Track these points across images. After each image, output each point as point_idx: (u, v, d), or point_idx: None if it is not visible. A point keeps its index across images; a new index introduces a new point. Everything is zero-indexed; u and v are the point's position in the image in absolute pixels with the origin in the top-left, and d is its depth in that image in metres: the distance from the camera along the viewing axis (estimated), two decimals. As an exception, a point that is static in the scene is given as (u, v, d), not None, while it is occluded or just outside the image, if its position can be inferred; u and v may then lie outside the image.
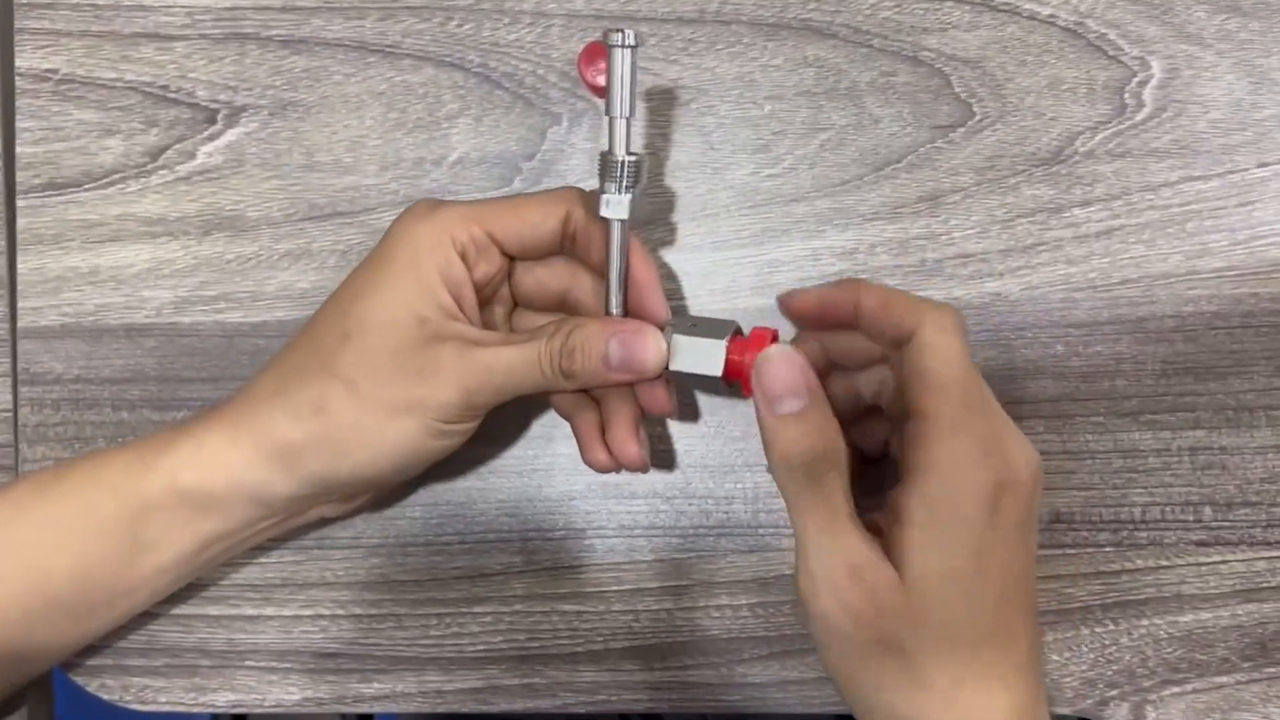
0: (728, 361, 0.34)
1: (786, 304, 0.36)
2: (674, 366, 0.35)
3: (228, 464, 0.34)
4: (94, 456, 0.36)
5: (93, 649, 0.41)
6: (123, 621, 0.38)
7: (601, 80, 0.40)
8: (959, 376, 0.31)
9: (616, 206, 0.33)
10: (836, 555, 0.31)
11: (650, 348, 0.34)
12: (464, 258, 0.34)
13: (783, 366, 0.32)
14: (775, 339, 0.34)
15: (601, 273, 0.35)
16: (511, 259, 0.37)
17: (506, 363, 0.34)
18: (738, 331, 0.35)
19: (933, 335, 0.31)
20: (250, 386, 0.36)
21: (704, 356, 0.34)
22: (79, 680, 0.42)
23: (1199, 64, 0.41)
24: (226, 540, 0.36)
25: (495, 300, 0.38)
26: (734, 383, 0.34)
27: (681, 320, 0.36)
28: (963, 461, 0.30)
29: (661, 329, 0.35)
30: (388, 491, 0.41)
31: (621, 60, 0.32)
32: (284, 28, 0.42)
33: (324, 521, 0.40)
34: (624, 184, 0.33)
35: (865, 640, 0.31)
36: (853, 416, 0.36)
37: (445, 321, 0.34)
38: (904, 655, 0.31)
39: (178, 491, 0.35)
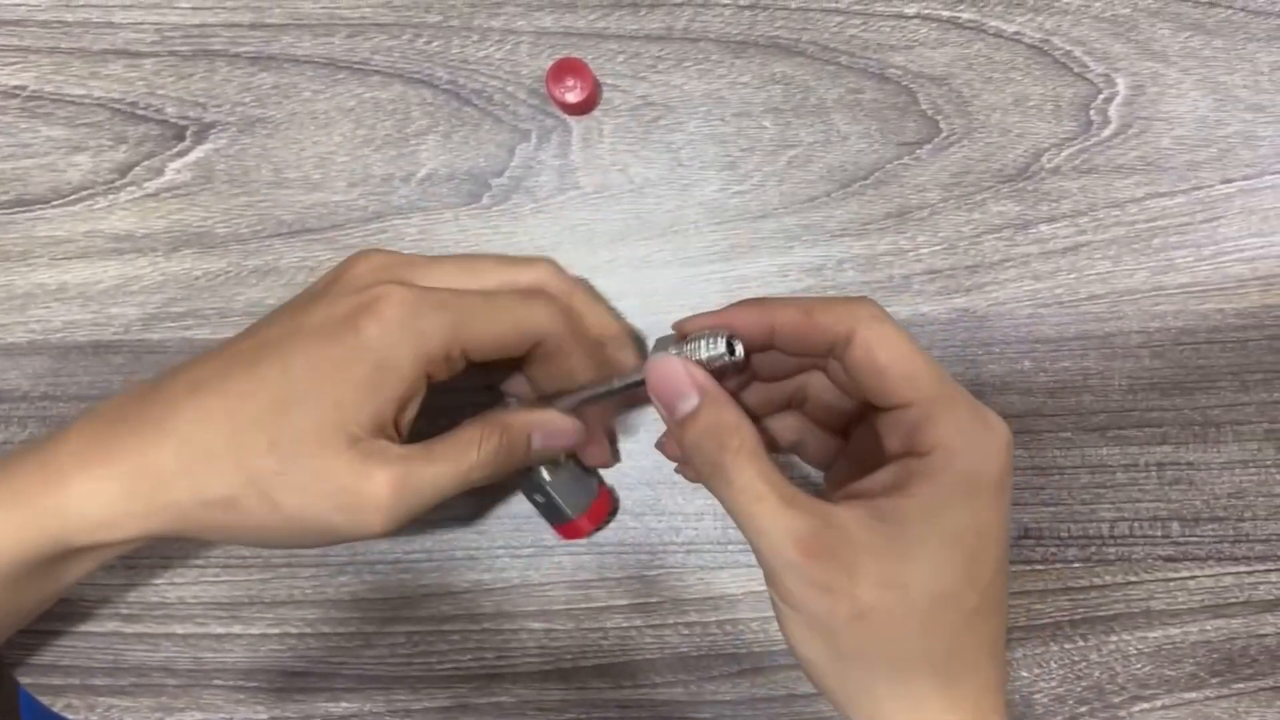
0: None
1: (681, 331, 0.34)
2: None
3: (127, 528, 0.32)
4: None
5: (57, 668, 0.41)
6: None
7: (570, 97, 0.40)
8: (919, 358, 0.30)
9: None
10: (782, 534, 0.29)
11: (567, 435, 0.36)
12: (429, 375, 0.33)
13: (667, 368, 0.31)
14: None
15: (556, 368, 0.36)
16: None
17: (438, 485, 0.33)
18: None
19: (873, 329, 0.30)
20: (140, 436, 0.32)
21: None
22: (45, 700, 0.41)
23: (1164, 81, 0.41)
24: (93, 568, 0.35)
25: None
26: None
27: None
28: (968, 432, 0.29)
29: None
30: None
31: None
32: (253, 45, 0.42)
33: None
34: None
35: (843, 616, 0.29)
36: (764, 413, 0.36)
37: (377, 442, 0.32)
38: (888, 626, 0.29)
39: (69, 550, 0.33)
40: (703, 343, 0.32)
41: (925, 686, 0.30)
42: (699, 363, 0.32)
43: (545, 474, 0.38)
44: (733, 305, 0.33)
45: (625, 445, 0.41)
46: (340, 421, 0.32)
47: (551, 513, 0.39)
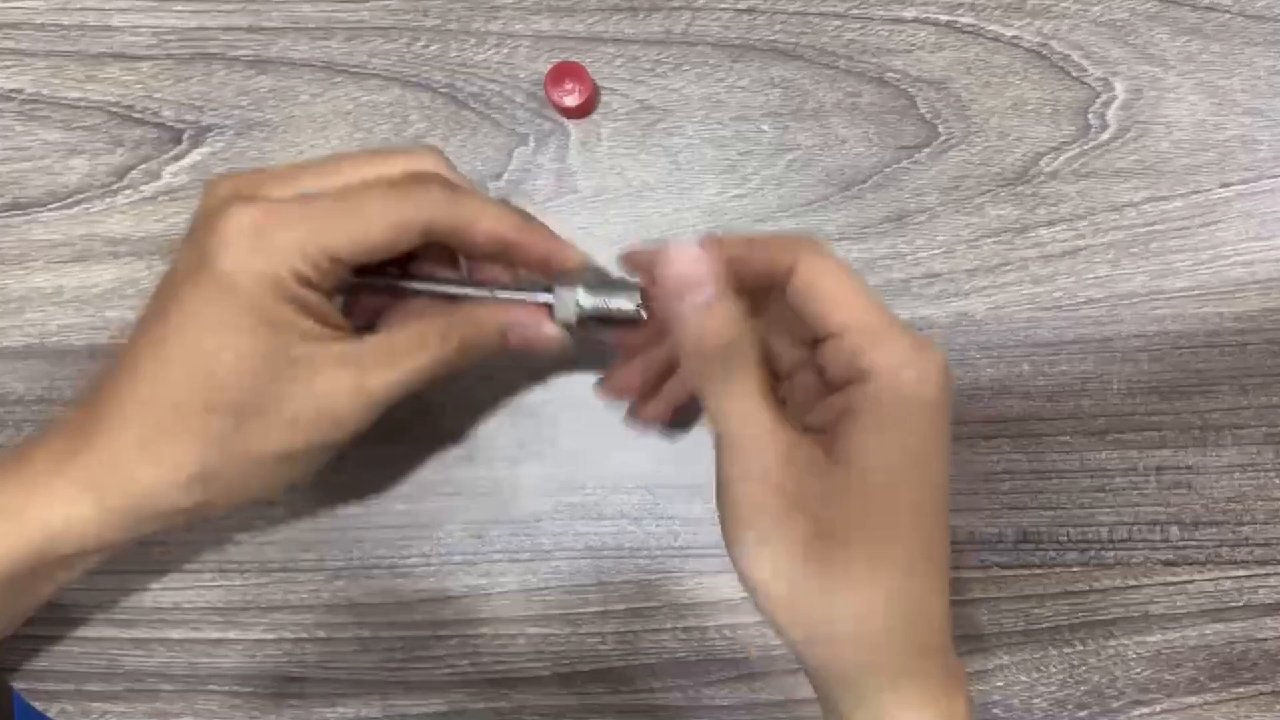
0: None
1: (630, 259, 0.34)
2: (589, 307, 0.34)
3: (108, 533, 0.32)
4: None
5: (51, 673, 0.41)
6: None
7: (569, 101, 0.40)
8: (860, 289, 0.30)
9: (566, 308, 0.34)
10: (765, 440, 0.29)
11: (551, 342, 0.34)
12: (309, 284, 0.31)
13: (689, 259, 0.30)
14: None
15: (471, 256, 0.34)
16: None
17: (402, 385, 0.32)
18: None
19: (816, 261, 0.30)
20: (95, 438, 0.32)
21: (617, 296, 0.34)
22: (38, 705, 0.41)
23: (1162, 85, 0.41)
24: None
25: None
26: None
27: (576, 274, 0.35)
28: (907, 356, 0.29)
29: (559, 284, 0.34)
30: None
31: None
32: (250, 48, 0.42)
33: None
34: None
35: (805, 533, 0.29)
36: None
37: (321, 350, 0.31)
38: (846, 547, 0.29)
39: (58, 561, 0.33)
40: (615, 293, 0.33)
41: (876, 604, 0.29)
42: (602, 310, 0.33)
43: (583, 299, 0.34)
44: (673, 245, 0.32)
45: (622, 449, 0.41)
46: (268, 352, 0.31)
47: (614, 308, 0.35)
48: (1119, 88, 0.41)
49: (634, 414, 0.37)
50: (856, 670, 0.30)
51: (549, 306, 0.34)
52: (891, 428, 0.29)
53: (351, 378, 0.32)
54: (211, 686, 0.41)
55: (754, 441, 0.29)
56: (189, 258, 0.31)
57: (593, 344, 0.37)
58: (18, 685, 0.41)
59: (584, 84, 0.40)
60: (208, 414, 0.31)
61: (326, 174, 0.32)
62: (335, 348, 0.32)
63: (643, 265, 0.34)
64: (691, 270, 0.30)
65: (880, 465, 0.29)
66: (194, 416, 0.31)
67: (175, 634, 0.41)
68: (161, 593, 0.41)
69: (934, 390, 0.29)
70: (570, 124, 0.42)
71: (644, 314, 0.34)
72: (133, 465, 0.32)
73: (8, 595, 0.34)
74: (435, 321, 0.33)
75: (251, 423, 0.31)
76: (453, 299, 0.34)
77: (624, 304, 0.34)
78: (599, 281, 0.34)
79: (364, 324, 0.35)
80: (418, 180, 0.32)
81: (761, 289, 0.32)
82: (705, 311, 0.30)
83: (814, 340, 0.31)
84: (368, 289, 0.35)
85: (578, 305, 0.34)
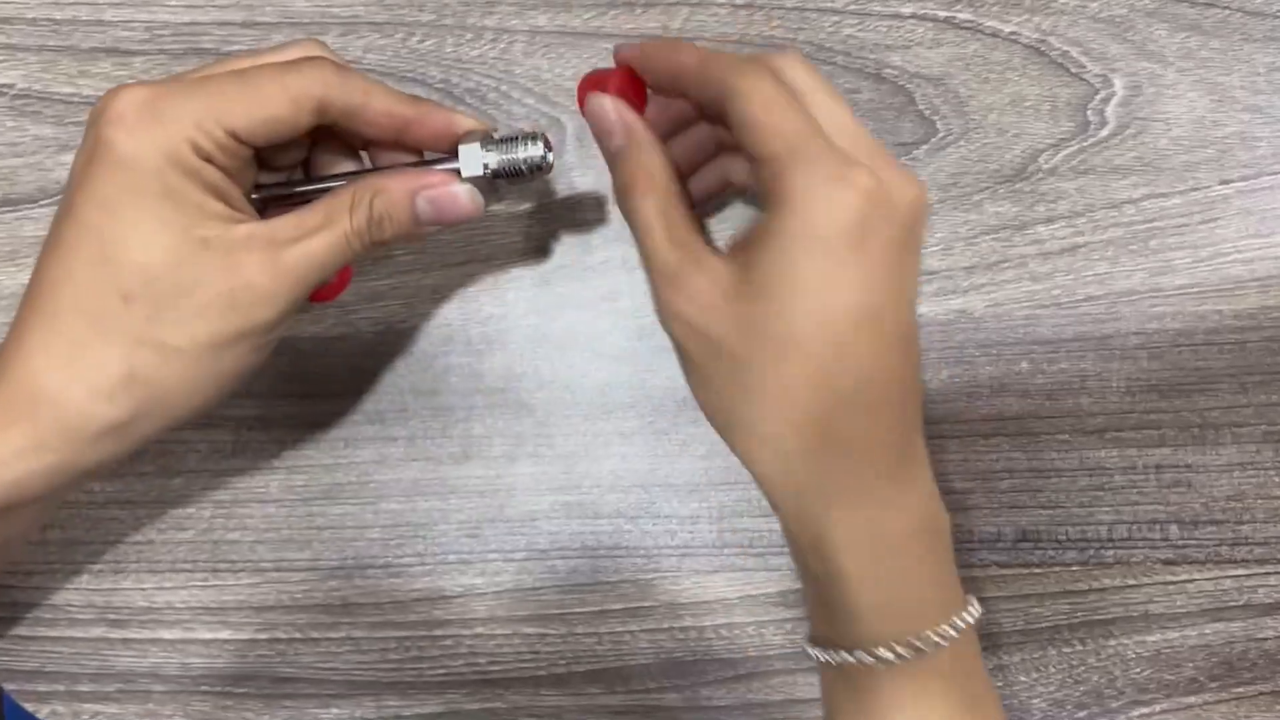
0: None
1: (616, 54, 0.34)
2: (494, 166, 0.33)
3: (44, 471, 0.30)
4: None
5: (41, 674, 0.41)
6: None
7: None
8: (784, 113, 0.29)
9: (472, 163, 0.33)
10: (654, 266, 0.31)
11: (462, 201, 0.33)
12: (209, 160, 0.30)
13: (603, 107, 0.32)
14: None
15: (368, 141, 0.34)
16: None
17: (318, 259, 0.31)
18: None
19: (745, 84, 0.30)
20: (13, 366, 0.30)
21: (523, 147, 0.33)
22: (28, 706, 0.41)
23: (1161, 82, 0.41)
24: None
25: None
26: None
27: (478, 134, 0.34)
28: (813, 184, 0.29)
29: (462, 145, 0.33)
30: None
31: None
32: (244, 43, 0.41)
33: None
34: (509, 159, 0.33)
35: (709, 353, 0.30)
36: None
37: (229, 230, 0.30)
38: (745, 366, 0.29)
39: None
40: (521, 144, 0.33)
41: (789, 432, 0.30)
42: (510, 162, 0.33)
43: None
44: (650, 42, 0.33)
45: (619, 448, 0.41)
46: (179, 234, 0.30)
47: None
48: (1118, 84, 0.41)
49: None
50: (783, 499, 0.31)
51: (457, 172, 0.33)
52: (788, 256, 0.29)
53: (264, 252, 0.31)
54: (204, 687, 0.41)
55: (668, 259, 0.31)
56: (83, 148, 0.31)
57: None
58: (8, 686, 0.41)
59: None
60: (122, 307, 0.30)
61: (213, 68, 0.32)
62: (244, 227, 0.31)
63: (622, 59, 0.34)
64: (601, 121, 0.33)
65: (773, 293, 0.29)
66: (108, 312, 0.30)
67: (168, 634, 0.41)
68: (154, 592, 0.41)
69: (841, 222, 0.28)
70: (566, 120, 0.41)
71: (550, 160, 0.33)
72: (55, 383, 0.30)
73: None
74: (343, 192, 0.32)
75: (169, 311, 0.30)
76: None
77: (531, 153, 0.33)
78: (502, 138, 0.33)
79: None
80: (308, 59, 0.32)
81: (711, 104, 0.32)
82: (618, 157, 0.32)
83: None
84: (276, 198, 0.34)
85: (483, 160, 0.33)
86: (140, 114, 0.29)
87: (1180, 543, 0.40)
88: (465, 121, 0.34)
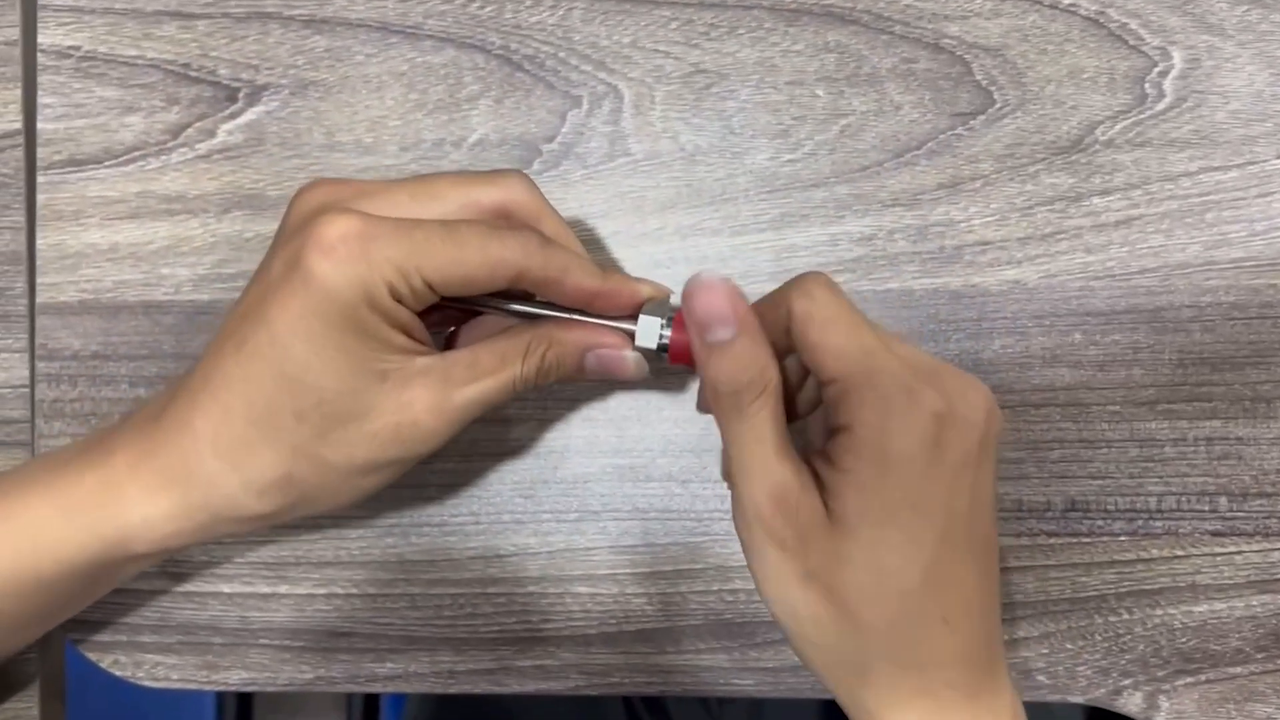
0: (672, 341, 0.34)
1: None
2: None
3: (185, 535, 0.33)
4: (11, 507, 0.33)
5: (105, 625, 0.42)
6: None
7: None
8: (847, 333, 0.30)
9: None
10: (763, 483, 0.30)
11: (629, 366, 0.34)
12: (401, 301, 0.31)
13: (712, 294, 0.31)
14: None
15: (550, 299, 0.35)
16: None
17: (484, 400, 0.33)
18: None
19: (802, 307, 0.31)
20: (178, 440, 0.32)
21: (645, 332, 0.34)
22: (91, 656, 0.42)
23: (1220, 55, 0.41)
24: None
25: None
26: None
27: (658, 305, 0.35)
28: (883, 408, 0.30)
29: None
30: None
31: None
32: (306, 7, 0.42)
33: None
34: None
35: (794, 574, 0.30)
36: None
37: (407, 364, 0.32)
38: (833, 593, 0.30)
39: (130, 559, 0.34)
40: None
41: (870, 654, 0.31)
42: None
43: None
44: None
45: (671, 412, 0.41)
46: (360, 365, 0.31)
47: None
48: (1176, 57, 0.41)
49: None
50: (845, 699, 0.32)
51: (629, 334, 0.34)
52: (874, 488, 0.30)
53: (436, 391, 0.32)
54: (262, 640, 0.42)
55: (750, 485, 0.31)
56: (281, 261, 0.31)
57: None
58: (71, 636, 0.42)
59: None
60: (293, 421, 0.31)
61: (421, 196, 0.33)
62: (421, 361, 0.32)
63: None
64: (714, 306, 0.31)
65: (857, 523, 0.30)
66: (278, 423, 0.31)
67: (227, 588, 0.42)
68: (214, 548, 0.42)
69: (912, 444, 0.29)
70: (624, 87, 0.42)
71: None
72: (214, 470, 0.32)
73: (78, 588, 0.35)
74: (519, 339, 0.34)
75: (336, 432, 0.32)
76: (531, 319, 0.35)
77: None
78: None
79: (436, 334, 0.36)
80: (514, 227, 0.33)
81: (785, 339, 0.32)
82: (721, 352, 0.31)
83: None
84: (448, 308, 0.35)
85: (660, 335, 0.34)
86: (350, 249, 0.30)
87: (1229, 515, 0.40)
88: (648, 289, 0.35)
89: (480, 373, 0.33)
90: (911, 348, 0.31)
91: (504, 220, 0.33)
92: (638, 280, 0.35)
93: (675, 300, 0.35)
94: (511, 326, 0.35)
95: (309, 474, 0.32)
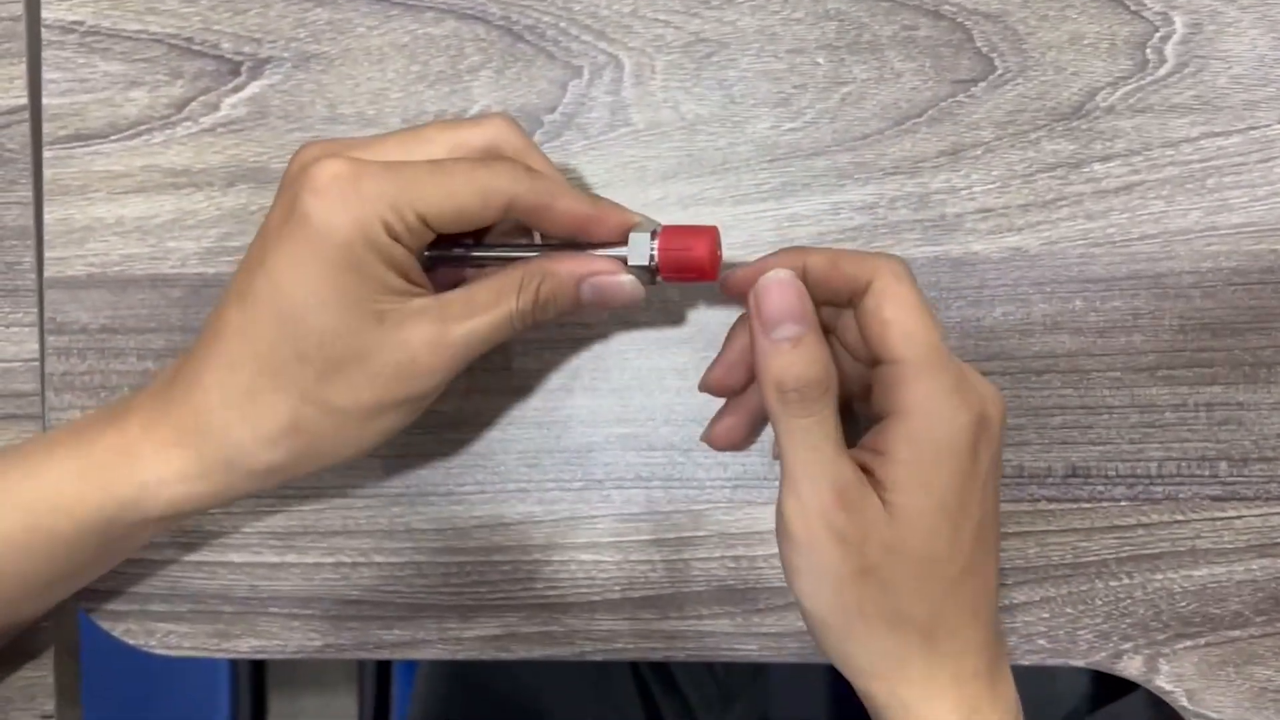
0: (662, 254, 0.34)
1: (727, 285, 0.35)
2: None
3: (200, 495, 0.34)
4: (33, 467, 0.34)
5: (117, 594, 0.42)
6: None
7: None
8: (923, 320, 0.32)
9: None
10: (826, 480, 0.31)
11: (626, 289, 0.34)
12: (397, 239, 0.32)
13: (783, 292, 0.32)
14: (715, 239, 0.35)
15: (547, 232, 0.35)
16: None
17: (481, 336, 0.33)
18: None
19: (889, 284, 0.32)
20: (189, 397, 0.33)
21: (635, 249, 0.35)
22: (103, 625, 0.43)
23: (1222, 19, 0.41)
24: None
25: None
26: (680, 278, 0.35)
27: (647, 226, 0.35)
28: (943, 400, 0.31)
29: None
30: None
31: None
32: (307, -20, 0.42)
33: None
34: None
35: (850, 570, 0.31)
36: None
37: (404, 305, 0.33)
38: (885, 586, 0.31)
39: (146, 521, 0.34)
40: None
41: (911, 645, 0.32)
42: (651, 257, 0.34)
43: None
44: (773, 253, 0.34)
45: (673, 382, 0.41)
46: (358, 305, 0.32)
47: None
48: (1178, 22, 0.41)
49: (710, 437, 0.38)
50: (882, 696, 0.33)
51: (622, 260, 0.35)
52: (930, 477, 0.31)
53: (434, 329, 0.33)
54: (271, 609, 0.42)
55: (813, 483, 0.31)
56: (279, 210, 0.32)
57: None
58: (84, 605, 0.43)
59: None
60: (296, 364, 0.32)
61: (410, 143, 0.34)
62: (418, 302, 0.33)
63: (739, 286, 0.34)
64: (783, 304, 0.32)
65: (915, 513, 0.31)
66: (282, 367, 0.32)
67: (236, 558, 0.42)
68: (222, 517, 0.42)
69: (963, 441, 0.31)
70: (624, 57, 0.42)
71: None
72: (224, 422, 0.33)
73: (92, 549, 0.35)
74: (513, 273, 0.34)
75: (339, 374, 0.32)
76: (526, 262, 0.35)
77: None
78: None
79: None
80: (501, 159, 0.34)
81: (838, 300, 0.34)
82: (789, 349, 0.31)
83: (873, 360, 0.33)
84: (444, 261, 0.36)
85: (651, 249, 0.34)
86: (342, 190, 0.31)
87: (1229, 480, 0.40)
88: (637, 217, 0.35)
89: (476, 308, 0.33)
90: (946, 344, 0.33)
91: (492, 155, 0.34)
92: (629, 210, 0.35)
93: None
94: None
95: (316, 419, 0.33)
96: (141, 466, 0.33)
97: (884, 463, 0.32)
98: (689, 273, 0.35)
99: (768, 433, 0.41)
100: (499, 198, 0.33)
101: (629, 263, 0.35)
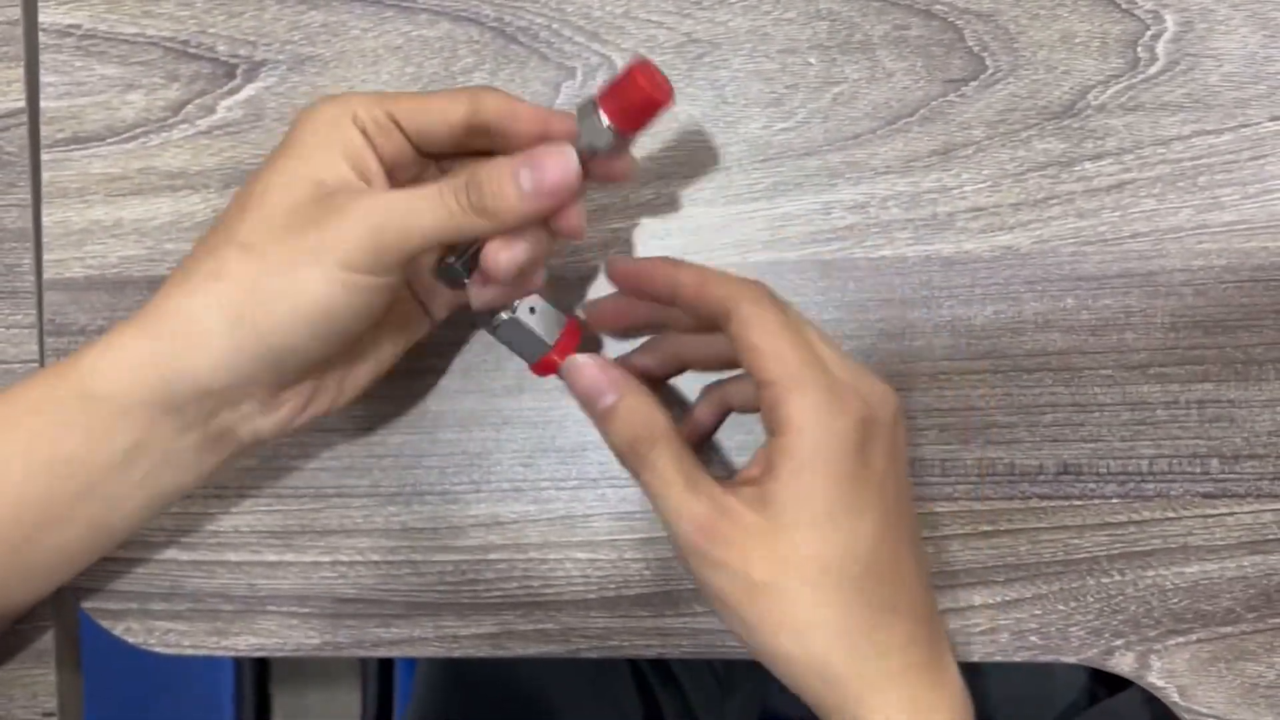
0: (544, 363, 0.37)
1: (609, 268, 0.37)
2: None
3: (132, 360, 0.33)
4: (23, 381, 0.35)
5: (117, 594, 0.43)
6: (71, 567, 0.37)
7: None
8: (789, 339, 0.32)
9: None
10: (684, 520, 0.33)
11: (562, 163, 0.33)
12: (364, 133, 0.34)
13: (586, 371, 0.35)
14: (576, 331, 0.37)
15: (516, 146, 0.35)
16: (424, 155, 0.36)
17: (408, 202, 0.33)
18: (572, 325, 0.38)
19: (750, 311, 0.33)
20: (159, 302, 0.34)
21: (529, 348, 0.37)
22: (104, 624, 0.43)
23: (1213, 18, 0.41)
24: (148, 458, 0.34)
25: None
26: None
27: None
28: (817, 412, 0.32)
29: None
30: (324, 395, 0.37)
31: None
32: (302, -17, 0.42)
33: (260, 443, 0.37)
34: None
35: (741, 591, 0.32)
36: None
37: (348, 185, 0.33)
38: (784, 598, 0.32)
39: (88, 398, 0.33)
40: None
41: (828, 650, 0.32)
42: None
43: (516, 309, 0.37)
44: (649, 260, 0.36)
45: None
46: (302, 169, 0.33)
47: (527, 346, 0.37)
48: (1169, 20, 0.41)
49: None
50: (818, 705, 0.33)
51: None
52: (810, 490, 0.32)
53: (372, 225, 0.32)
54: (270, 607, 0.43)
55: (674, 525, 0.33)
56: (272, 150, 0.35)
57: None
58: (85, 605, 0.43)
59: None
60: (240, 214, 0.33)
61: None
62: (363, 198, 0.33)
63: (623, 278, 0.37)
64: (591, 380, 0.35)
65: (798, 525, 0.32)
66: (229, 224, 0.33)
67: (234, 556, 0.43)
68: (221, 517, 0.42)
69: (845, 448, 0.32)
70: (617, 58, 0.42)
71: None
72: (169, 285, 0.34)
73: (62, 459, 0.34)
74: (457, 176, 0.33)
75: (257, 217, 0.33)
76: None
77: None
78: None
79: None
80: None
81: (709, 324, 0.35)
82: (610, 414, 0.34)
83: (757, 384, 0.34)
84: (457, 274, 0.36)
85: (598, 111, 0.33)
86: (327, 101, 0.34)
87: (1221, 477, 0.40)
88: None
89: (416, 196, 0.33)
90: (834, 348, 0.34)
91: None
92: None
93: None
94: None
95: (236, 261, 0.33)
96: (94, 350, 0.34)
97: (768, 480, 0.32)
98: (640, 107, 0.33)
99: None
100: (465, 94, 0.35)
101: (583, 139, 0.33)
